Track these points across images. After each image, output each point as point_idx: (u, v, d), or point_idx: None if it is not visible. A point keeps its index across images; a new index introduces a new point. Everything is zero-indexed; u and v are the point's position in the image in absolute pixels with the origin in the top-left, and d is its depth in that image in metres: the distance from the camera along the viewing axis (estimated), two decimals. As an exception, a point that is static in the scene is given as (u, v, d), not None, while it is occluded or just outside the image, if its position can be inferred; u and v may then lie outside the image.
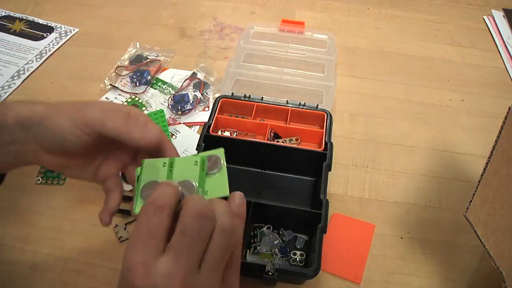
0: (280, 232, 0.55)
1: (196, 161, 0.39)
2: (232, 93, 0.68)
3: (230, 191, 0.38)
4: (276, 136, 0.64)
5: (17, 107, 0.40)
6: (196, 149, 0.58)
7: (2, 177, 0.47)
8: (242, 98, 0.67)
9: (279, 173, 0.62)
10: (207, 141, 0.59)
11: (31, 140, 0.40)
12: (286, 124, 0.65)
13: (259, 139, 0.63)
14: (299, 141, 0.64)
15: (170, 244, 0.30)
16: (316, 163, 0.58)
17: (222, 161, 0.40)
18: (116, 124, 0.40)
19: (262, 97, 0.67)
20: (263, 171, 0.62)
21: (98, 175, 0.45)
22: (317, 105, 0.66)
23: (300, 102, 0.66)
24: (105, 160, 0.45)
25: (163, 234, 0.30)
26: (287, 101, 0.67)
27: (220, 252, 0.31)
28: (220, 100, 0.65)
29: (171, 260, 0.29)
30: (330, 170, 0.57)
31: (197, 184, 0.37)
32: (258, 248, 0.53)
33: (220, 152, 0.40)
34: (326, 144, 0.59)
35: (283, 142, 0.64)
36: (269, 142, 0.61)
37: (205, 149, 0.55)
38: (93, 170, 0.45)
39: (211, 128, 0.61)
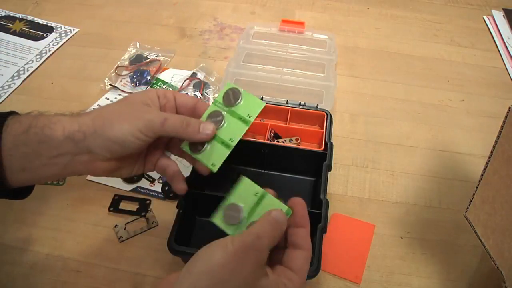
0: (280, 232, 0.55)
1: (257, 193, 0.41)
2: (232, 93, 0.67)
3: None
4: (276, 136, 0.64)
5: (62, 120, 0.41)
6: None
7: (31, 188, 0.46)
8: (242, 98, 0.67)
9: (279, 173, 0.62)
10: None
11: (84, 152, 0.41)
12: (286, 124, 0.65)
13: (259, 139, 0.63)
14: (299, 141, 0.64)
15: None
16: (316, 163, 0.58)
17: (239, 89, 0.46)
18: (174, 125, 0.42)
19: (262, 97, 0.67)
20: (263, 171, 0.62)
21: (146, 167, 0.46)
22: (317, 105, 0.66)
23: (300, 102, 0.66)
24: (149, 151, 0.46)
25: None
26: (287, 101, 0.67)
27: None
28: (220, 100, 0.65)
29: None
30: (330, 170, 0.56)
31: (244, 213, 0.40)
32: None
33: (231, 85, 0.46)
34: (326, 144, 0.59)
35: (283, 142, 0.64)
36: (269, 142, 0.61)
37: None
38: (142, 164, 0.46)
39: (211, 128, 0.61)
